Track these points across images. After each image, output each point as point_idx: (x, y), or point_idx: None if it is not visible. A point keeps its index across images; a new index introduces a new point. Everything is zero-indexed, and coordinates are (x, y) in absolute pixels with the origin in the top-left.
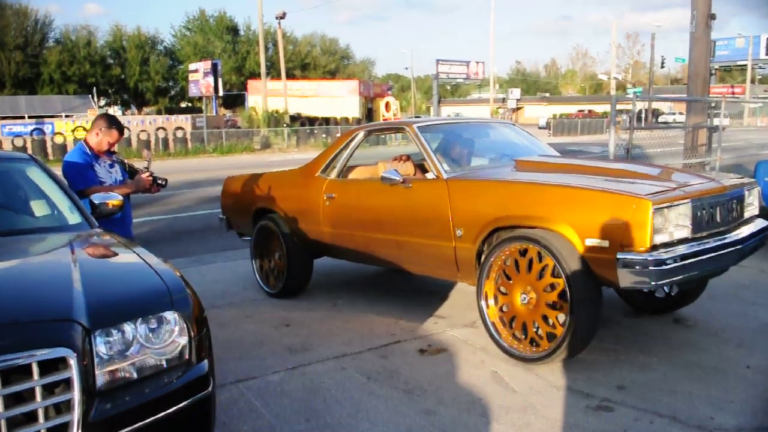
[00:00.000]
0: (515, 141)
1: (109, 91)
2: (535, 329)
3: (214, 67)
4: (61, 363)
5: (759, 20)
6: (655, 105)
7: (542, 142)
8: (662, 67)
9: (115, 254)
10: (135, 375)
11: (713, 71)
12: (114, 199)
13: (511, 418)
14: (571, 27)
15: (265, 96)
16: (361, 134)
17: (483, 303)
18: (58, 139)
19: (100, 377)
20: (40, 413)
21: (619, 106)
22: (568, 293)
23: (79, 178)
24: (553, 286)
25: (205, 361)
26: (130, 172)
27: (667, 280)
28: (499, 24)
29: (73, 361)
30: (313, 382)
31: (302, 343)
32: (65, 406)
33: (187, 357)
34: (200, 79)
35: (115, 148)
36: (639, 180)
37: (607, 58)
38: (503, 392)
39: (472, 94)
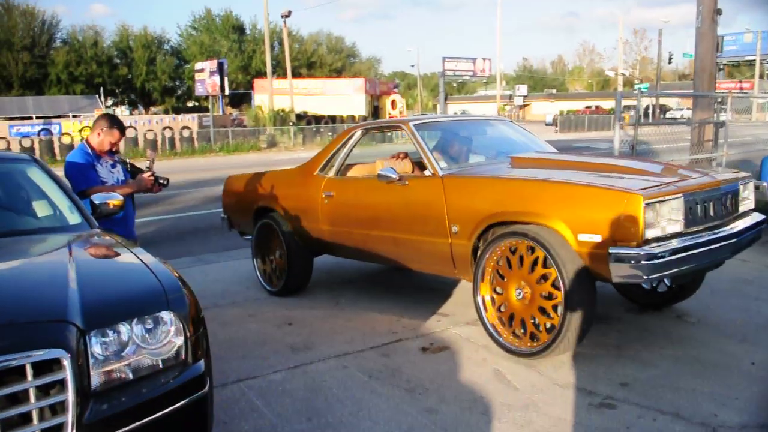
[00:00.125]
0: (512, 138)
1: (116, 91)
2: (533, 322)
3: (221, 66)
4: (55, 364)
5: (764, 17)
6: (662, 101)
7: (539, 139)
8: (670, 62)
9: (113, 254)
10: (131, 375)
11: (721, 67)
12: (114, 199)
13: (513, 416)
14: (577, 23)
15: (271, 95)
16: (358, 133)
17: (479, 299)
18: (66, 140)
19: (96, 378)
20: (35, 414)
21: (625, 102)
22: (561, 286)
23: (81, 179)
24: (545, 278)
25: (202, 361)
26: (132, 172)
27: (660, 274)
28: (505, 20)
29: (66, 362)
30: (314, 380)
31: (304, 342)
32: (60, 407)
33: (183, 357)
34: (206, 79)
35: (118, 147)
36: (632, 175)
37: (614, 54)
38: (505, 390)
39: (479, 91)
